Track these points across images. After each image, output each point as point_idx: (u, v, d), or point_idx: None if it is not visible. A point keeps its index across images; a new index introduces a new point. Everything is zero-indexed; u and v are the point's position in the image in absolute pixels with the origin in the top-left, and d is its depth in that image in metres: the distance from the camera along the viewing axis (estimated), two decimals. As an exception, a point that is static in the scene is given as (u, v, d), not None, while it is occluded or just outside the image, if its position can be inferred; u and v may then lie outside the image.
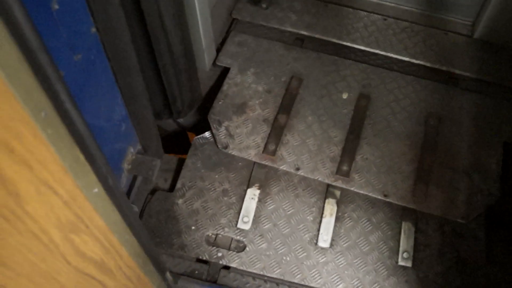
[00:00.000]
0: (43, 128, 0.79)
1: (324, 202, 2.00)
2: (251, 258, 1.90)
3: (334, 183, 2.03)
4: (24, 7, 0.68)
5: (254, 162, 2.08)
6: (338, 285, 1.86)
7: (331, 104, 2.22)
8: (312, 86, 2.26)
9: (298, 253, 1.91)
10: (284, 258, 1.90)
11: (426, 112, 2.22)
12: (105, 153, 1.46)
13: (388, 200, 2.01)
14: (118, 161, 1.76)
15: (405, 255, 1.90)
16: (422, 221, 1.98)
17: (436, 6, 2.48)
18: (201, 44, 2.13)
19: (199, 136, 2.14)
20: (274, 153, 2.09)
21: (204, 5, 2.01)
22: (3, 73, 0.67)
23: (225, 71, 2.31)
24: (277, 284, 1.88)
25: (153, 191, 2.04)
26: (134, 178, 1.90)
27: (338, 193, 2.03)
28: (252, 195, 2.01)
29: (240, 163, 2.08)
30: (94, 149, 1.03)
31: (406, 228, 1.96)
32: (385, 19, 2.47)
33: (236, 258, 1.89)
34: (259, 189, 2.02)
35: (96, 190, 1.07)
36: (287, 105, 2.20)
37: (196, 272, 1.89)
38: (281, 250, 1.92)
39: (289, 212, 1.99)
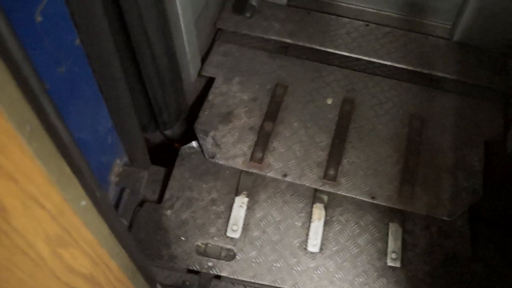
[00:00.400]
0: (29, 141, 0.79)
1: (312, 207, 2.01)
2: (241, 266, 1.90)
3: (321, 188, 2.04)
4: (7, 19, 0.68)
5: (242, 170, 2.08)
6: (329, 288, 1.87)
7: (316, 110, 2.23)
8: (297, 92, 2.27)
9: (288, 259, 1.91)
10: (275, 264, 1.90)
11: (409, 114, 2.24)
12: (92, 166, 1.45)
13: (375, 202, 2.02)
14: (105, 174, 1.76)
15: (393, 255, 1.91)
16: (409, 222, 1.99)
17: (416, 11, 2.50)
18: (186, 55, 2.13)
19: (185, 146, 2.14)
20: (261, 160, 2.09)
21: (188, 16, 2.02)
22: (-14, 87, 0.67)
23: (211, 81, 2.32)
24: (269, 291, 1.88)
25: (142, 203, 2.03)
26: (122, 191, 1.89)
27: (325, 197, 2.03)
28: (241, 203, 2.01)
29: (227, 172, 2.08)
30: (81, 161, 1.03)
31: (394, 229, 1.97)
32: (367, 25, 2.49)
33: (226, 267, 1.89)
34: (247, 196, 2.02)
35: (83, 203, 1.06)
36: (272, 113, 2.21)
37: (187, 283, 1.89)
38: (271, 256, 1.92)
39: (277, 219, 1.99)
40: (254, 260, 1.91)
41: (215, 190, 2.04)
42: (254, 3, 2.38)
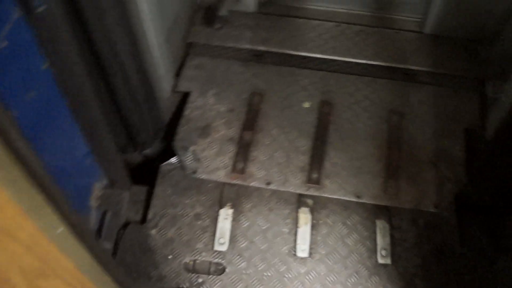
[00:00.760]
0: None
1: (297, 212, 2.01)
2: (232, 279, 1.89)
3: (306, 192, 2.05)
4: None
5: (224, 182, 2.08)
6: (322, 292, 1.87)
7: (294, 115, 2.24)
8: (274, 99, 2.29)
9: (278, 267, 1.92)
10: (265, 274, 1.90)
11: (387, 110, 2.26)
12: (70, 191, 1.45)
13: (361, 201, 2.03)
14: (85, 198, 1.75)
15: (383, 253, 1.92)
16: (395, 218, 2.00)
17: (385, 7, 2.54)
18: (159, 72, 2.13)
19: (165, 163, 2.14)
20: (243, 171, 2.09)
21: (157, 32, 2.02)
22: None
23: (186, 96, 2.32)
24: (262, 301, 1.88)
25: (125, 225, 2.02)
26: (104, 214, 1.88)
27: (310, 201, 2.04)
28: (226, 215, 2.01)
29: (209, 185, 2.09)
30: (53, 188, 1.02)
31: (381, 226, 1.98)
32: (338, 25, 2.52)
33: (217, 281, 1.89)
34: (231, 208, 2.03)
35: (60, 230, 1.05)
36: (250, 122, 2.22)
37: (179, 302, 1.88)
38: (261, 266, 1.92)
39: (264, 227, 1.99)
40: (244, 272, 1.91)
41: (199, 205, 2.04)
42: (222, 14, 2.39)
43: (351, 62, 2.41)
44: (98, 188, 1.83)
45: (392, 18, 2.54)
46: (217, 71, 2.38)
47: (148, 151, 2.21)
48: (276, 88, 2.32)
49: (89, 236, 1.19)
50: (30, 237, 0.95)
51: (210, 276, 1.90)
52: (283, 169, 2.10)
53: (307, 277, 1.89)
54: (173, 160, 2.14)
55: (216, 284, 1.88)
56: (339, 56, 2.42)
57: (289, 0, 2.60)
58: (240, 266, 1.92)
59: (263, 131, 2.20)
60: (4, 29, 1.22)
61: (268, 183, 2.07)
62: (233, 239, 1.97)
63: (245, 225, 2.00)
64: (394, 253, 1.93)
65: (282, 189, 2.06)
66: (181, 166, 2.13)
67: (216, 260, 1.93)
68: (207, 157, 2.14)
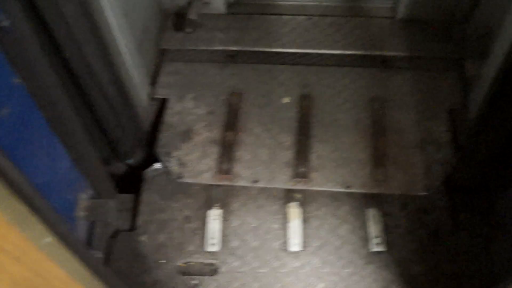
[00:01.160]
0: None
1: (287, 207, 2.02)
2: (227, 279, 1.90)
3: (294, 187, 2.05)
4: None
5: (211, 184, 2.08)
6: (318, 285, 1.87)
7: (275, 111, 2.25)
8: (253, 98, 2.29)
9: (271, 263, 1.92)
10: (259, 271, 1.90)
11: (368, 98, 2.28)
12: (56, 204, 1.44)
13: (351, 190, 2.04)
14: (71, 210, 1.75)
15: (376, 240, 1.93)
16: (386, 204, 2.02)
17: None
18: (134, 80, 2.13)
19: (149, 169, 2.14)
20: (229, 171, 2.10)
21: (128, 41, 2.02)
22: None
23: (164, 102, 2.32)
24: (259, 299, 1.88)
25: (115, 234, 2.02)
26: (93, 224, 1.88)
27: (298, 195, 2.05)
28: (215, 216, 2.01)
29: (196, 187, 2.10)
30: (37, 198, 1.02)
31: (372, 214, 1.99)
32: (309, 19, 2.53)
33: (212, 282, 1.89)
34: (220, 208, 2.03)
35: (48, 239, 1.05)
36: (232, 122, 2.22)
37: (175, 305, 1.88)
38: (254, 264, 1.92)
39: (254, 225, 2.00)
40: (238, 270, 1.91)
41: (187, 208, 2.04)
42: (192, 17, 2.40)
43: (327, 53, 2.43)
44: (84, 199, 1.82)
45: (363, 7, 2.57)
46: (193, 75, 2.38)
47: (131, 160, 2.20)
48: (254, 86, 2.33)
49: (79, 245, 1.18)
50: (17, 248, 0.94)
51: (205, 277, 1.90)
52: (269, 166, 2.11)
53: (302, 271, 1.90)
54: (157, 165, 2.14)
55: (211, 284, 1.89)
56: (314, 49, 2.43)
57: (258, -2, 2.61)
58: (233, 265, 1.92)
59: (245, 130, 2.21)
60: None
61: (255, 181, 2.07)
62: (224, 239, 1.97)
63: (235, 224, 2.00)
64: (388, 240, 1.94)
65: (269, 186, 2.06)
66: (166, 172, 2.12)
67: (209, 261, 1.93)
68: (191, 161, 2.14)
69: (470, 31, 2.40)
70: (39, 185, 1.51)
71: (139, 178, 2.16)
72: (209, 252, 1.95)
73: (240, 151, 2.15)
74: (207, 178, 2.09)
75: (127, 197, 2.10)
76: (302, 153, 2.13)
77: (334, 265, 1.91)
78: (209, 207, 2.04)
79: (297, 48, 2.44)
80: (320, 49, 2.43)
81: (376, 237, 1.94)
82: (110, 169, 2.13)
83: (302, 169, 2.09)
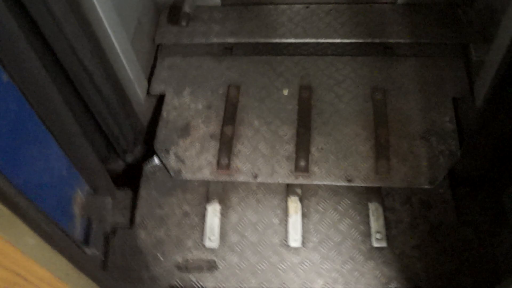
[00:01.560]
0: None
1: (286, 202, 2.01)
2: (225, 275, 1.91)
3: (295, 182, 2.04)
4: None
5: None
6: (318, 281, 1.87)
7: (274, 104, 2.24)
8: (251, 90, 2.28)
9: (271, 258, 1.92)
10: (258, 267, 1.91)
11: (369, 87, 2.25)
12: (51, 201, 1.44)
13: (352, 184, 2.03)
14: (68, 207, 1.75)
15: (378, 236, 1.92)
16: (388, 199, 2.00)
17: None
18: (129, 77, 2.12)
19: (148, 165, 2.15)
20: (228, 166, 2.09)
21: (121, 36, 2.01)
22: None
23: (162, 97, 2.32)
24: (257, 294, 1.89)
25: (113, 230, 2.03)
26: (90, 221, 1.89)
27: (299, 190, 2.04)
28: (214, 211, 2.01)
29: (195, 182, 2.10)
30: (19, 197, 1.01)
31: (374, 209, 1.98)
32: (307, 7, 2.51)
33: (210, 278, 1.90)
34: (219, 204, 2.03)
35: (32, 241, 1.04)
36: (230, 116, 2.21)
37: (173, 301, 1.89)
38: (253, 259, 1.93)
39: (253, 220, 2.00)
40: (237, 266, 1.91)
41: (186, 203, 2.05)
42: (187, 10, 2.38)
43: (326, 42, 2.40)
44: (80, 196, 1.83)
45: (362, -8, 2.53)
46: (190, 69, 2.37)
47: (129, 157, 2.21)
48: (252, 78, 2.32)
49: (69, 244, 1.18)
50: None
51: (203, 273, 1.90)
52: (269, 160, 2.10)
53: (301, 267, 1.90)
54: (156, 161, 2.14)
55: (209, 280, 1.89)
56: (312, 38, 2.41)
57: (253, -12, 2.58)
58: (232, 261, 1.93)
59: (244, 124, 2.20)
60: None
61: (255, 176, 2.06)
62: (223, 234, 1.98)
63: (234, 220, 2.00)
64: (389, 236, 1.93)
65: (270, 181, 2.06)
66: (165, 169, 2.12)
67: (208, 257, 1.94)
68: (190, 156, 2.13)
69: (475, 13, 2.36)
70: (35, 183, 1.51)
71: (137, 174, 2.16)
72: (208, 248, 1.95)
73: (239, 145, 2.14)
74: (206, 174, 2.09)
75: (125, 193, 2.11)
76: (302, 147, 2.12)
77: (334, 261, 1.90)
78: (208, 202, 2.04)
79: (295, 38, 2.41)
80: (319, 38, 2.41)
81: (377, 232, 1.93)
82: (108, 165, 2.14)
83: (302, 163, 2.07)
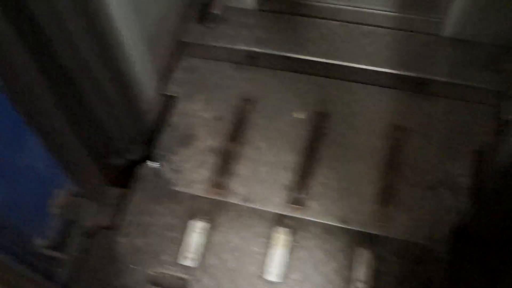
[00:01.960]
0: None
1: (275, 232, 1.95)
2: None
3: (288, 214, 1.99)
4: None
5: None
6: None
7: (285, 126, 2.17)
8: (265, 108, 2.22)
9: None
10: None
11: (390, 124, 2.15)
12: (31, 200, 1.44)
13: (348, 227, 1.95)
14: (44, 206, 1.76)
15: (360, 285, 1.83)
16: (381, 248, 1.90)
17: (400, 5, 2.38)
18: (140, 76, 2.08)
19: (142, 168, 2.13)
20: (222, 186, 2.05)
21: (135, 33, 1.93)
22: None
23: (172, 100, 2.28)
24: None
25: (94, 231, 2.02)
26: (69, 222, 1.89)
27: (290, 221, 1.97)
28: (197, 228, 1.98)
29: (186, 195, 2.06)
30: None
31: (363, 256, 1.89)
32: (344, 25, 2.39)
33: (181, 298, 1.87)
34: (205, 222, 1.99)
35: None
36: (237, 132, 2.16)
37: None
38: (227, 287, 1.88)
39: (236, 245, 1.94)
40: None
41: (172, 215, 2.01)
42: (216, 12, 2.33)
43: (356, 67, 2.28)
44: (62, 196, 1.82)
45: (407, 18, 2.38)
46: (208, 74, 2.32)
47: (129, 156, 2.20)
48: (269, 95, 2.25)
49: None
50: None
51: None
52: (266, 187, 2.04)
53: (275, 304, 1.85)
54: (149, 163, 2.12)
55: None
56: (342, 60, 2.29)
57: (294, -4, 2.48)
58: (206, 284, 1.89)
59: (249, 143, 2.14)
60: None
61: (248, 200, 2.01)
62: (202, 254, 1.94)
63: (216, 240, 1.96)
64: (373, 287, 1.84)
65: (261, 208, 2.00)
66: (159, 175, 2.10)
67: (182, 275, 1.91)
68: (187, 168, 2.10)
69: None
70: (14, 179, 1.51)
71: (131, 175, 2.15)
72: (185, 266, 1.92)
73: (239, 165, 2.09)
74: (199, 189, 2.05)
75: (113, 193, 2.09)
76: (303, 177, 2.05)
77: (311, 304, 1.84)
78: (193, 218, 2.00)
79: (323, 57, 2.30)
80: (349, 61, 2.29)
81: (360, 281, 1.84)
82: (106, 163, 2.13)
83: (300, 196, 2.01)
